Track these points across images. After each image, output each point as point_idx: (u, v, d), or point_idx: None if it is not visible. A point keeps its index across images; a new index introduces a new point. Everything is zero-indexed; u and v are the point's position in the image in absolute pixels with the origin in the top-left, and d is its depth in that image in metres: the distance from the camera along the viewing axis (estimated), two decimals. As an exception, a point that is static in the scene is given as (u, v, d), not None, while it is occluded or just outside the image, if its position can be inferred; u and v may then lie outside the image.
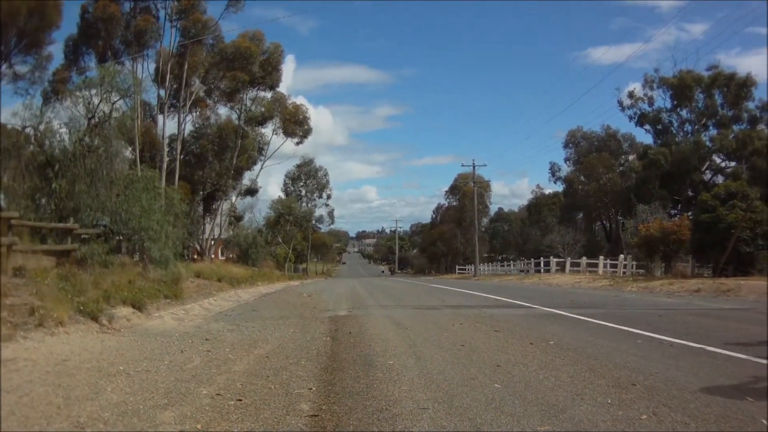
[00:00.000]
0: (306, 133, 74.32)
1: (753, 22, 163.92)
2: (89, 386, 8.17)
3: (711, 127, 76.85)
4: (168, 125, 60.32)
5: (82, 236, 21.92)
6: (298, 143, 75.33)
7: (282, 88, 70.78)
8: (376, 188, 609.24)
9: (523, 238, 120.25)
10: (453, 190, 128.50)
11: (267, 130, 71.19)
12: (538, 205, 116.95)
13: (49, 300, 12.42)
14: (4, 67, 49.59)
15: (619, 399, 7.46)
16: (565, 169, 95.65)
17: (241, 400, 7.66)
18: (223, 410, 7.23)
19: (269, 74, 65.18)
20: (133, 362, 10.06)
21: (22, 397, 7.36)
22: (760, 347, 10.98)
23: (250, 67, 61.18)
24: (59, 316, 11.92)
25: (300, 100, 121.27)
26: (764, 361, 9.56)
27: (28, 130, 26.18)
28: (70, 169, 24.02)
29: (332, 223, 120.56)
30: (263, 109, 68.02)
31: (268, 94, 68.52)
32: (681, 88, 74.69)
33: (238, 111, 66.79)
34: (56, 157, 24.49)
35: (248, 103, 66.80)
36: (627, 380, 8.46)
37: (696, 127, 76.89)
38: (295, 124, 71.75)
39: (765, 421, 6.47)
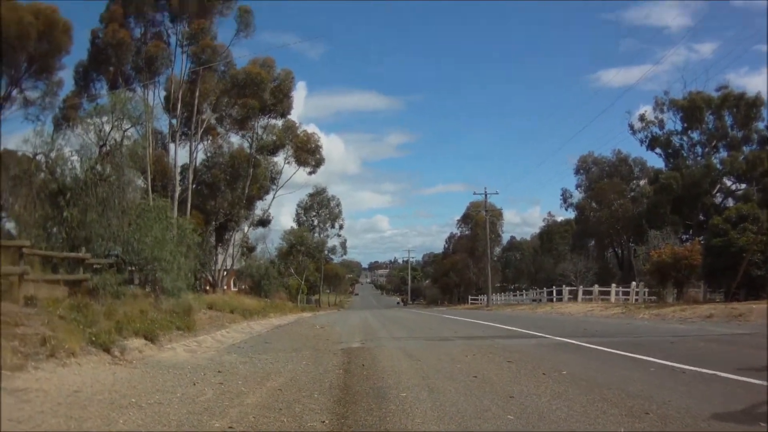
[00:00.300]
0: (318, 162, 74.68)
1: (761, 40, 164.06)
2: (101, 418, 8.18)
3: (721, 149, 76.85)
4: (179, 154, 60.62)
5: (94, 266, 21.92)
6: (310, 173, 75.82)
7: (293, 115, 71.17)
8: (388, 218, 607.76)
9: (536, 266, 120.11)
10: (465, 219, 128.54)
11: (279, 159, 71.83)
12: (550, 233, 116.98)
13: (60, 330, 12.42)
14: (14, 92, 49.85)
15: (632, 428, 7.46)
16: (577, 195, 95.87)
17: (253, 434, 7.64)
18: (236, 444, 7.22)
19: (280, 101, 65.61)
20: (145, 394, 10.05)
21: (33, 428, 7.38)
22: (770, 372, 10.95)
23: (261, 94, 61.50)
24: (71, 347, 11.92)
25: (311, 128, 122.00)
26: (768, 384, 9.54)
27: (39, 157, 26.28)
28: (81, 198, 24.07)
29: (344, 253, 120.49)
30: (275, 138, 68.34)
31: (279, 122, 69.13)
32: (691, 110, 74.78)
33: (249, 139, 67.29)
34: (68, 186, 24.54)
35: (259, 132, 67.26)
36: (640, 409, 8.42)
37: (706, 149, 76.92)
38: (307, 153, 72.06)
39: None
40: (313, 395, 10.37)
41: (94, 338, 13.36)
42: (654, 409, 8.39)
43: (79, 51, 77.10)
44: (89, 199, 24.13)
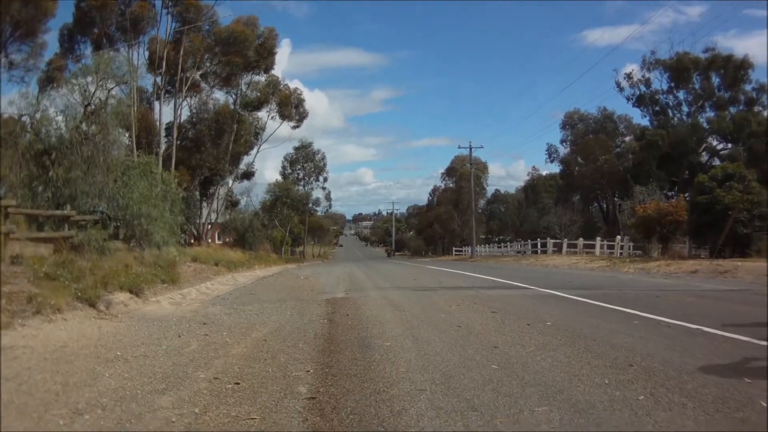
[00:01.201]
0: (302, 116, 74.73)
1: (751, 5, 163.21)
2: (87, 372, 8.18)
3: (708, 109, 76.85)
4: (164, 111, 60.41)
5: (80, 223, 21.88)
6: (294, 127, 75.79)
7: (277, 71, 71.07)
8: (373, 171, 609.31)
9: (520, 219, 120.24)
10: (450, 172, 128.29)
11: (263, 114, 71.49)
12: (535, 186, 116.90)
13: (46, 287, 12.43)
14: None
15: (616, 380, 7.49)
16: (562, 150, 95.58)
17: (238, 384, 7.68)
18: (221, 394, 7.25)
19: (264, 58, 65.44)
20: (130, 347, 10.07)
21: (20, 384, 7.37)
22: (757, 328, 10.99)
23: (245, 51, 61.42)
24: (57, 303, 11.92)
25: (295, 83, 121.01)
26: (762, 342, 9.57)
27: (24, 118, 26.15)
28: (66, 157, 23.97)
29: (329, 206, 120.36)
30: (258, 94, 68.18)
31: (263, 78, 68.77)
32: (678, 70, 74.70)
33: (234, 95, 67.07)
34: (53, 145, 24.44)
35: (243, 88, 67.02)
36: (624, 361, 8.47)
37: (693, 108, 76.90)
38: (291, 108, 71.94)
39: (764, 403, 6.48)
40: (297, 345, 10.42)
41: (79, 294, 13.35)
42: (638, 361, 8.45)
43: (64, 15, 76.67)
44: (74, 158, 24.03)
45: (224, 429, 6.05)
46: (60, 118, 25.98)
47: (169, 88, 59.76)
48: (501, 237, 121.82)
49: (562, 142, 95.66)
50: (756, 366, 8.25)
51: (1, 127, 25.12)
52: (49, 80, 49.70)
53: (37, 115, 25.80)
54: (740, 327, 11.13)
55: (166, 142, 57.52)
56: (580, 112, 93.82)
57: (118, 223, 24.64)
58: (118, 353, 9.53)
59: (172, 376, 8.09)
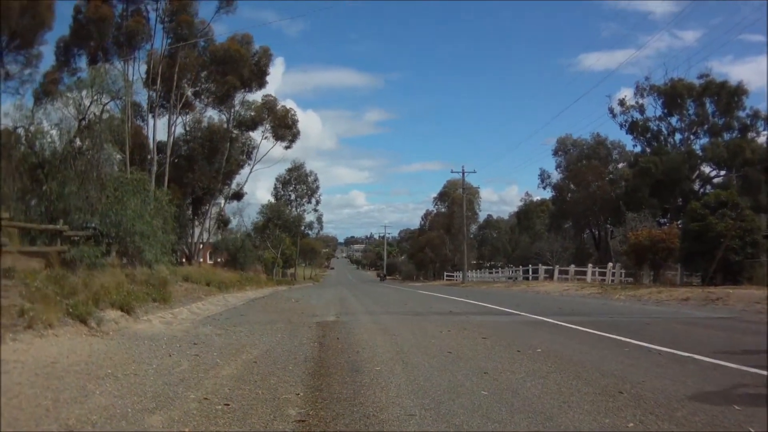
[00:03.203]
0: (294, 136, 74.64)
1: (747, 29, 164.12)
2: (78, 389, 8.21)
3: (702, 135, 76.89)
4: (158, 128, 60.47)
5: (72, 238, 21.91)
6: (287, 147, 75.60)
7: (270, 90, 71.27)
8: (365, 194, 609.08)
9: (512, 245, 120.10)
10: (442, 196, 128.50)
11: (256, 134, 71.49)
12: (527, 212, 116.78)
13: (38, 302, 12.45)
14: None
15: (605, 407, 7.51)
16: (555, 176, 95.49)
17: (228, 405, 7.70)
18: (211, 415, 7.27)
19: (258, 77, 65.36)
20: (121, 365, 10.09)
21: (11, 399, 7.39)
22: (746, 355, 11.07)
23: (240, 70, 61.51)
24: (48, 319, 11.95)
25: (289, 103, 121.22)
26: (753, 370, 9.62)
27: (19, 130, 26.20)
28: (60, 171, 24.05)
29: (321, 228, 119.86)
30: (253, 114, 68.27)
31: (258, 97, 69.06)
32: (672, 96, 74.50)
33: (227, 114, 67.10)
34: (47, 159, 24.53)
35: (237, 107, 67.08)
36: (614, 388, 8.50)
37: (687, 135, 76.95)
38: (285, 128, 72.03)
39: (752, 430, 6.52)
40: (287, 368, 10.45)
41: (71, 310, 13.39)
42: (628, 388, 8.47)
43: (60, 27, 76.69)
44: (68, 173, 24.11)
45: (214, 450, 6.07)
46: (54, 131, 26.07)
47: (164, 103, 59.78)
48: (492, 263, 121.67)
49: (555, 168, 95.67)
50: (746, 393, 8.30)
51: None
52: (44, 93, 49.71)
53: (32, 128, 25.91)
54: (730, 354, 11.17)
55: (159, 159, 57.45)
56: (572, 138, 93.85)
57: (111, 240, 24.63)
58: (109, 371, 9.55)
59: (163, 396, 8.11)
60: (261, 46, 66.26)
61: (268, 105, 70.53)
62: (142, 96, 59.20)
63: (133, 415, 7.13)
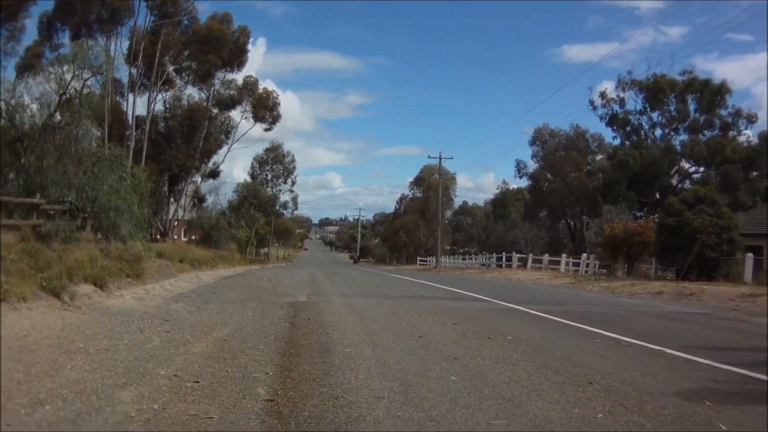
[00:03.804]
0: (275, 119, 74.60)
1: (733, 29, 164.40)
2: (49, 363, 8.23)
3: (682, 132, 76.94)
4: (138, 104, 60.19)
5: (48, 212, 21.84)
6: (267, 129, 75.55)
7: (251, 71, 71.32)
8: (341, 176, 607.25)
9: (487, 232, 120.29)
10: (418, 181, 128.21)
11: (236, 113, 71.29)
12: (503, 200, 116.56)
13: (12, 275, 12.44)
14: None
15: (575, 397, 7.56)
16: (532, 166, 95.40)
17: (198, 382, 7.74)
18: (181, 391, 7.30)
19: (237, 56, 65.14)
20: (93, 340, 10.11)
21: (-21, 370, 7.41)
22: (718, 352, 11.05)
23: (222, 50, 61.30)
24: (22, 292, 11.96)
25: (269, 84, 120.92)
26: (724, 366, 9.65)
27: (0, 103, 26.10)
28: (39, 145, 23.95)
29: (296, 209, 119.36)
30: (233, 93, 68.07)
31: (239, 78, 68.79)
32: (654, 91, 74.25)
33: (207, 93, 66.84)
34: (26, 132, 24.42)
35: (218, 86, 66.80)
36: (584, 378, 8.56)
37: (667, 131, 76.94)
38: (265, 110, 71.92)
39: (723, 426, 6.59)
40: (258, 347, 10.51)
41: (44, 283, 13.41)
42: (598, 379, 8.53)
43: (46, 3, 76.21)
44: (47, 147, 24.01)
45: (182, 427, 6.10)
46: (35, 105, 25.96)
47: (144, 81, 59.49)
48: (466, 249, 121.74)
49: (532, 157, 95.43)
50: (717, 389, 8.31)
51: None
52: (26, 67, 49.47)
53: (13, 101, 25.77)
54: (702, 350, 11.21)
55: (137, 135, 57.24)
56: (549, 128, 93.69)
57: (86, 215, 24.57)
58: (81, 345, 9.58)
59: (133, 371, 8.14)
60: (239, 25, 66.03)
61: (249, 86, 70.37)
62: (123, 72, 59.04)
63: (103, 389, 7.15)
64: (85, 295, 14.87)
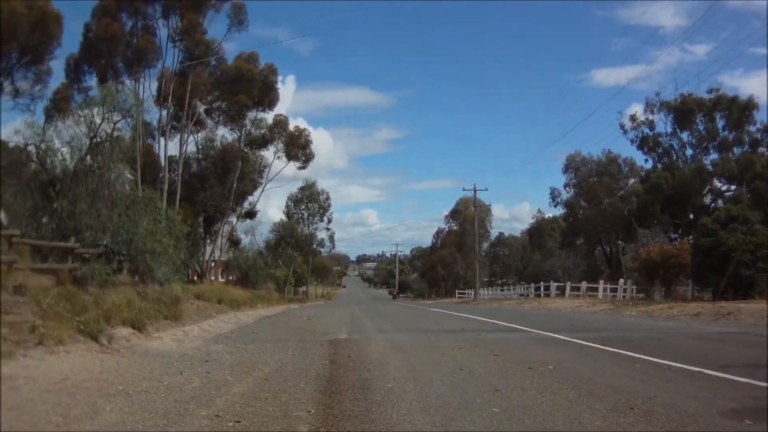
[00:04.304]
0: (308, 157, 74.84)
1: (756, 43, 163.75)
2: (88, 405, 8.21)
3: (712, 151, 76.44)
4: (169, 146, 60.52)
5: (83, 256, 21.91)
6: (300, 168, 75.89)
7: (282, 109, 71.55)
8: (377, 212, 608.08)
9: (524, 262, 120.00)
10: (454, 214, 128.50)
11: (269, 153, 71.66)
12: (538, 229, 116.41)
13: (49, 319, 12.48)
14: (5, 83, 49.72)
15: (617, 423, 7.47)
16: (565, 194, 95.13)
17: (239, 422, 7.69)
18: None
19: (266, 95, 65.42)
20: (132, 382, 10.09)
21: (21, 414, 7.41)
22: (756, 369, 10.97)
23: (251, 89, 61.67)
24: (59, 335, 11.97)
25: (300, 122, 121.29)
26: (762, 384, 9.57)
27: (30, 147, 26.25)
28: (71, 189, 24.07)
29: (333, 247, 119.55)
30: (264, 132, 68.45)
31: (269, 117, 69.19)
32: (683, 111, 73.87)
33: (238, 132, 67.20)
34: (58, 176, 24.55)
35: (248, 125, 67.12)
36: (625, 404, 8.44)
37: (697, 150, 76.55)
38: (298, 148, 72.31)
39: None
40: (299, 385, 10.43)
41: (82, 327, 13.43)
42: (639, 404, 8.41)
43: (70, 45, 77.02)
44: (79, 190, 24.13)
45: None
46: (65, 149, 26.09)
47: (175, 123, 59.84)
48: (504, 280, 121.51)
49: (565, 186, 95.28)
50: (755, 407, 8.25)
51: (3, 156, 25.23)
52: (56, 109, 49.86)
53: (43, 145, 25.92)
54: (740, 368, 11.12)
55: (170, 177, 57.51)
56: (581, 154, 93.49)
57: (122, 258, 24.67)
58: (120, 387, 9.55)
59: (174, 413, 8.11)
60: (266, 63, 66.27)
61: (280, 124, 70.70)
62: (153, 114, 59.47)
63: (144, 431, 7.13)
64: (124, 338, 14.90)
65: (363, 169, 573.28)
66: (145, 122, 56.12)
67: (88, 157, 25.93)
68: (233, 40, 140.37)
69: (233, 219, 72.87)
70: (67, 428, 7.06)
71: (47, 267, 19.67)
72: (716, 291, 34.68)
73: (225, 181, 64.30)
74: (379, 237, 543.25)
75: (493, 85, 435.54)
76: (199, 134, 65.26)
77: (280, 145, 71.33)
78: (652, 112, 77.84)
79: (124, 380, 10.26)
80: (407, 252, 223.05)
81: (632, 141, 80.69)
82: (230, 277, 73.42)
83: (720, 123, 74.93)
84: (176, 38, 56.75)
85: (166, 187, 54.28)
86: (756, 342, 16.44)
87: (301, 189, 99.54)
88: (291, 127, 72.81)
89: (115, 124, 29.17)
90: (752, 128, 73.98)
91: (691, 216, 70.02)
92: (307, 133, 75.10)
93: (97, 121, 27.94)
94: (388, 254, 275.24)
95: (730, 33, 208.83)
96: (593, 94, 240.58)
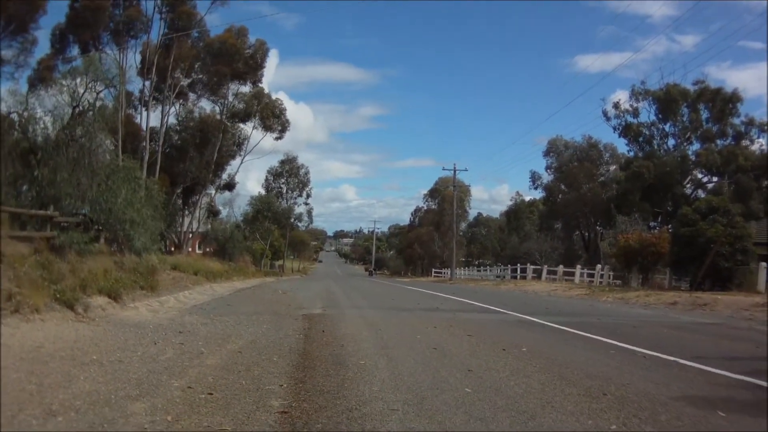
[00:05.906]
0: (284, 126, 74.40)
1: (747, 36, 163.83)
2: (62, 374, 8.22)
3: (695, 141, 76.49)
4: (151, 117, 60.22)
5: (62, 224, 21.88)
6: (277, 138, 75.34)
7: (264, 82, 70.99)
8: (356, 188, 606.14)
9: (501, 244, 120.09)
10: (433, 193, 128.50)
11: (248, 125, 71.36)
12: (517, 211, 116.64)
13: (26, 286, 12.43)
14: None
15: (589, 408, 7.51)
16: (546, 177, 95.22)
17: (211, 394, 7.72)
18: (194, 403, 7.28)
19: (253, 70, 65.53)
20: (106, 352, 10.10)
21: (-7, 382, 7.39)
22: (731, 361, 11.02)
23: (235, 64, 61.50)
24: (35, 303, 11.95)
25: (281, 95, 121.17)
26: (737, 376, 9.59)
27: (12, 116, 26.16)
28: (52, 157, 24.00)
29: (311, 222, 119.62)
30: (244, 105, 68.19)
31: (250, 89, 68.93)
32: (667, 101, 73.85)
33: (220, 105, 66.95)
34: (39, 145, 24.49)
35: (231, 98, 66.99)
36: (598, 390, 8.49)
37: (680, 140, 76.57)
38: (273, 117, 71.82)
39: None
40: (272, 359, 10.47)
41: (58, 295, 13.39)
42: (612, 390, 8.47)
43: (56, 14, 76.44)
44: (60, 159, 24.06)
45: (196, 438, 6.08)
46: (48, 118, 26.02)
47: (157, 94, 59.47)
48: (481, 261, 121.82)
49: (546, 168, 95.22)
50: (729, 399, 8.27)
51: None
52: (39, 79, 49.59)
53: (26, 114, 25.84)
54: (715, 360, 11.15)
55: (150, 148, 57.29)
56: (563, 139, 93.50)
57: (100, 227, 24.61)
58: (94, 357, 9.57)
59: (147, 383, 8.13)
60: (257, 38, 66.21)
61: (257, 95, 70.36)
62: (136, 85, 59.44)
63: (116, 401, 7.14)
64: (99, 307, 14.89)
65: (344, 145, 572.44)
66: (127, 93, 55.92)
67: (70, 127, 25.85)
68: (219, 13, 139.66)
69: (212, 191, 72.65)
70: (40, 396, 7.07)
71: (25, 235, 19.60)
72: (694, 281, 34.70)
73: (204, 152, 63.97)
74: (357, 213, 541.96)
75: (479, 68, 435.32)
76: (181, 106, 64.93)
77: (257, 116, 70.99)
78: (636, 99, 77.79)
79: (99, 349, 10.27)
80: (385, 229, 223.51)
81: (615, 128, 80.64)
82: (207, 249, 73.27)
83: (704, 114, 75.00)
84: (163, 9, 56.44)
85: (147, 157, 54.05)
86: (732, 334, 16.48)
87: (282, 163, 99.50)
88: (267, 99, 72.35)
89: (98, 94, 29.15)
90: (736, 121, 74.06)
91: (671, 205, 70.15)
92: (280, 101, 74.95)
93: (80, 90, 27.89)
94: (365, 231, 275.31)
95: (720, 26, 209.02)
96: (578, 81, 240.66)
